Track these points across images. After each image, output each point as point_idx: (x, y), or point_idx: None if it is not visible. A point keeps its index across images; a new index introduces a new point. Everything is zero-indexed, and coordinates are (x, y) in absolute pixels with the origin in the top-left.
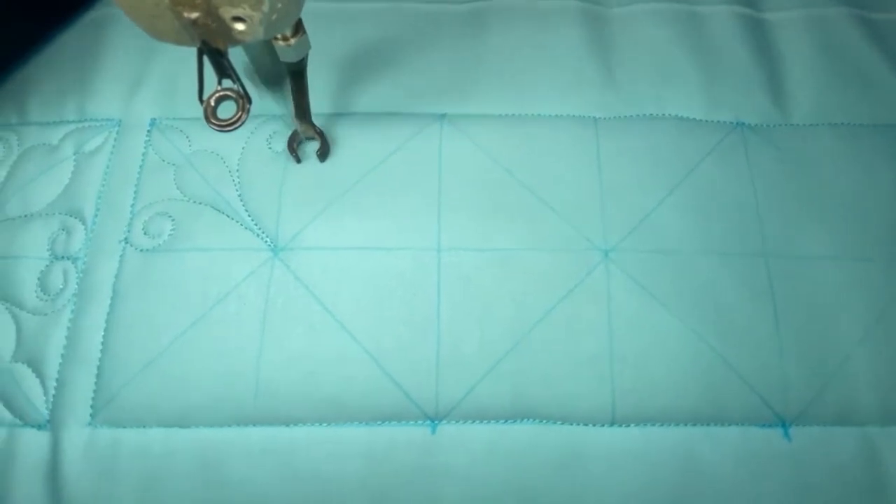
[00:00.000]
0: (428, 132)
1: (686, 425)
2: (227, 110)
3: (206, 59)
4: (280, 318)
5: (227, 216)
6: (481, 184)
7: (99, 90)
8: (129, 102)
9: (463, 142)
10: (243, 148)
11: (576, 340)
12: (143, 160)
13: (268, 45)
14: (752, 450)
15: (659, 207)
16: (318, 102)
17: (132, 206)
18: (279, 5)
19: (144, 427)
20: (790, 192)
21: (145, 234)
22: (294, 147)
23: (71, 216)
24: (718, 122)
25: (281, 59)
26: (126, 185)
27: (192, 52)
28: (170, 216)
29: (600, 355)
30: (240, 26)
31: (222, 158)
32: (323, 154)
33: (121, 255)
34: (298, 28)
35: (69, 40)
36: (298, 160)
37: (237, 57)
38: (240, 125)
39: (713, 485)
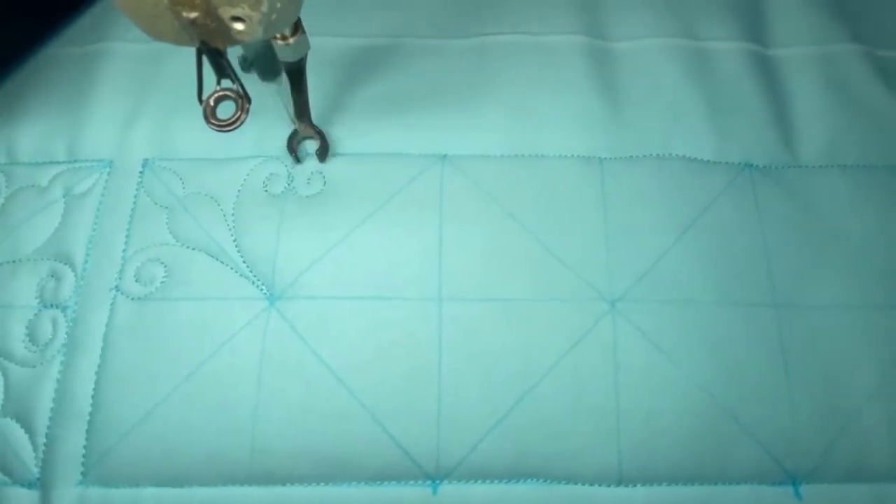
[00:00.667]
0: (429, 174)
1: (694, 484)
2: (226, 110)
3: (205, 60)
4: (276, 372)
5: (222, 262)
6: (484, 229)
7: (90, 129)
8: (121, 142)
9: (465, 183)
10: (239, 191)
11: (582, 395)
12: (134, 203)
13: (267, 44)
14: None
15: (667, 255)
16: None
17: (123, 251)
18: (278, 5)
19: (137, 486)
20: (800, 237)
21: (137, 281)
22: (293, 146)
23: (60, 262)
24: (727, 163)
25: (280, 59)
26: (117, 230)
27: (186, 91)
28: (162, 262)
29: (607, 410)
30: (239, 26)
31: (217, 201)
32: (322, 153)
33: (111, 304)
34: (297, 27)
35: (60, 76)
36: (298, 160)
37: (233, 52)
38: (239, 125)
39: None
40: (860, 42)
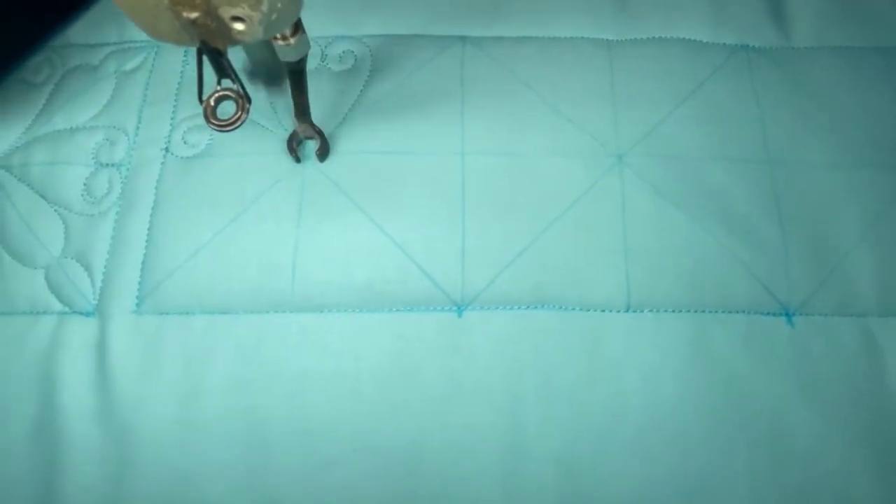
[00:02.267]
0: (450, 52)
1: (696, 312)
2: (226, 110)
3: (205, 59)
4: (314, 215)
5: (262, 126)
6: (501, 97)
7: None
8: None
9: (484, 60)
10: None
11: (592, 235)
12: (181, 78)
13: (266, 43)
14: (758, 335)
15: (668, 118)
16: (334, 24)
17: (172, 119)
18: (278, 5)
19: (187, 314)
20: (792, 106)
21: (185, 143)
22: (294, 147)
23: (114, 128)
24: (724, 44)
25: (280, 59)
26: (165, 101)
27: None
28: (207, 128)
29: (615, 248)
30: (239, 26)
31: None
32: (322, 154)
33: (162, 162)
34: (298, 27)
35: None
36: (298, 160)
37: (236, 55)
38: (240, 125)
39: (722, 366)
40: None
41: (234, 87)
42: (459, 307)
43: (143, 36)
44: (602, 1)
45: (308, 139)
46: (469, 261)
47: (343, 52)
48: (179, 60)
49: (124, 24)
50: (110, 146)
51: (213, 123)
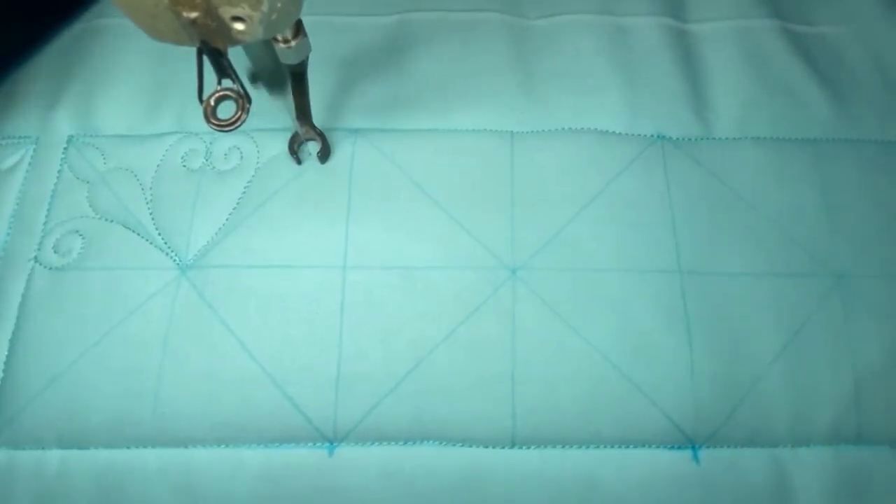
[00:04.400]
0: (340, 147)
1: (589, 447)
2: (226, 110)
3: (205, 59)
4: (182, 338)
5: (137, 234)
6: (391, 200)
7: (16, 108)
8: (46, 120)
9: (375, 156)
10: (158, 166)
11: (479, 360)
12: (58, 178)
13: (267, 45)
14: (659, 473)
15: (571, 223)
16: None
17: (44, 224)
18: (279, 5)
19: (42, 448)
20: (708, 207)
21: (55, 252)
22: (295, 148)
23: None
24: (639, 135)
25: (282, 62)
26: (40, 204)
27: (110, 70)
28: (80, 234)
29: (503, 375)
30: (239, 26)
31: (136, 176)
32: (324, 155)
33: (29, 274)
34: (299, 30)
35: None
36: (299, 161)
37: (239, 59)
38: (240, 125)
39: None
40: (777, 17)
41: (235, 87)
42: (331, 443)
43: (23, 130)
44: (508, 89)
45: (309, 140)
46: (344, 390)
47: (229, 148)
48: (58, 159)
49: (2, 116)
50: None
51: (214, 123)
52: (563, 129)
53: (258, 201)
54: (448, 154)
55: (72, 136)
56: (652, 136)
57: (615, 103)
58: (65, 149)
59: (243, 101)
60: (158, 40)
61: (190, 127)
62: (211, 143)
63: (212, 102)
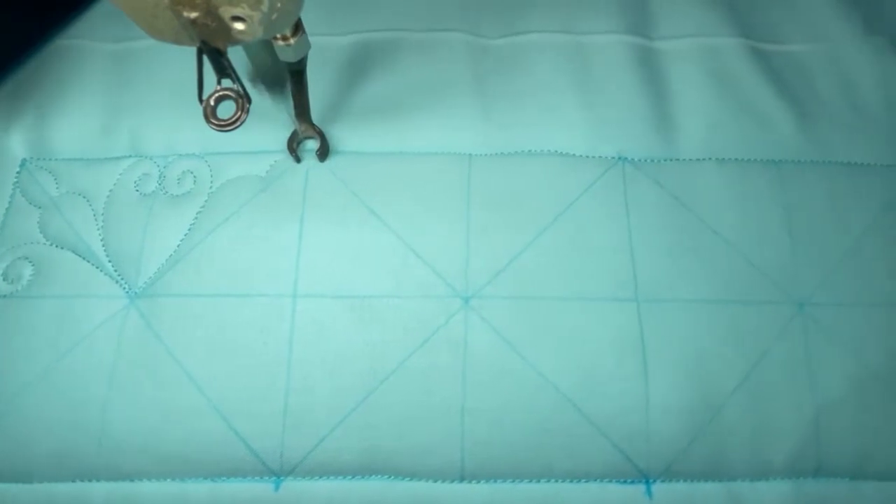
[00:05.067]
0: (293, 171)
1: (539, 481)
2: (227, 110)
3: (205, 59)
4: (129, 369)
5: (87, 261)
6: (344, 226)
7: None
8: None
9: (329, 181)
10: (110, 190)
11: (429, 392)
12: (10, 202)
13: (267, 45)
14: None
15: (526, 250)
16: (189, 142)
17: None
18: (279, 5)
19: None
20: (668, 231)
21: (4, 279)
22: (293, 147)
23: None
24: (599, 157)
25: (281, 59)
26: None
27: (64, 92)
28: (30, 261)
29: (452, 407)
30: (239, 26)
31: (88, 201)
32: (322, 154)
33: None
34: (298, 28)
35: None
36: (298, 160)
37: (239, 59)
38: (240, 125)
39: None
40: (743, 36)
41: (235, 86)
42: (278, 477)
43: None
44: (466, 111)
45: (308, 138)
46: (291, 422)
47: (183, 172)
48: (10, 183)
49: None
50: None
51: (213, 123)
52: (522, 151)
53: (210, 227)
54: (404, 178)
55: (25, 160)
56: (613, 157)
57: (576, 124)
58: (17, 173)
59: (243, 100)
60: (158, 40)
61: (144, 150)
62: (165, 166)
63: (212, 102)
